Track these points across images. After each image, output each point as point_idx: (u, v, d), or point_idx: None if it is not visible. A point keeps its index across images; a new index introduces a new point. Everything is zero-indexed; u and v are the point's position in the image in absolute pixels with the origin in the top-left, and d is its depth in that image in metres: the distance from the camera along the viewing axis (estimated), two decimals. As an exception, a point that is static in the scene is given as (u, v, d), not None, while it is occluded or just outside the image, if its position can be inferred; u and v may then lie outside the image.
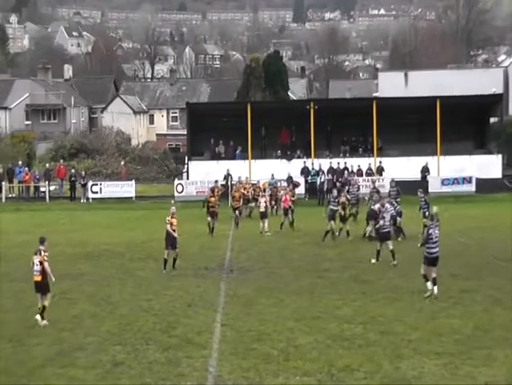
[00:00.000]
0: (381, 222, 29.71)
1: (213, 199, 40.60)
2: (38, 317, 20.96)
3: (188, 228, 38.02)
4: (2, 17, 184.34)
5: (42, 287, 21.27)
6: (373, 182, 45.60)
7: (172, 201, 42.64)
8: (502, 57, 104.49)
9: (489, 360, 17.59)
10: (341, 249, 34.22)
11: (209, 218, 39.57)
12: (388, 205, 30.72)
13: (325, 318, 21.71)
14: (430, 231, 24.13)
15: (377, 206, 32.40)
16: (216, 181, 47.11)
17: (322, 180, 54.99)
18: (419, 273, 25.27)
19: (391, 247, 29.42)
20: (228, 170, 55.20)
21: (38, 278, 21.24)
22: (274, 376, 16.73)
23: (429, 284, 23.79)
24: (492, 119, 63.54)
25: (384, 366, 17.41)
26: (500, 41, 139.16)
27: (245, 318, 21.88)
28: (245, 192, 46.46)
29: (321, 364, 17.47)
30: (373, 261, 29.90)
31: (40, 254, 21.30)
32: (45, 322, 21.01)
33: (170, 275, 28.27)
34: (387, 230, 29.75)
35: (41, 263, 21.18)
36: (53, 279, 21.43)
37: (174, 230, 28.93)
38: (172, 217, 29.20)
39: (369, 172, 56.61)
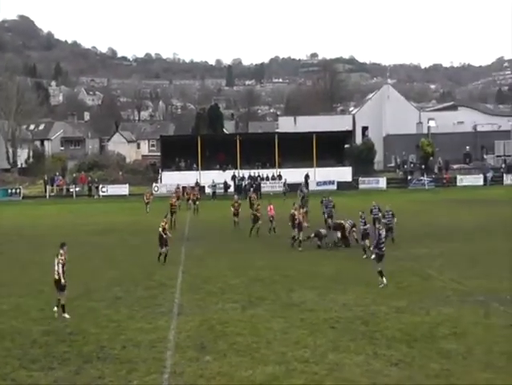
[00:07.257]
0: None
1: (173, 200, 35.52)
2: None
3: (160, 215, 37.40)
4: (46, 82, 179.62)
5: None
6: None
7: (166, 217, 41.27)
8: (352, 108, 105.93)
9: (345, 291, 17.85)
10: (262, 230, 30.12)
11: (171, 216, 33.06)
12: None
13: (248, 268, 21.76)
14: (380, 232, 18.74)
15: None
16: (177, 185, 46.41)
17: (245, 183, 55.34)
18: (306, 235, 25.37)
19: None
20: (213, 180, 54.66)
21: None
22: (215, 304, 16.69)
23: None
24: (346, 146, 64.52)
25: (282, 296, 17.52)
26: (350, 98, 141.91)
27: (197, 269, 21.79)
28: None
29: (244, 296, 17.50)
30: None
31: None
32: None
33: (151, 244, 25.66)
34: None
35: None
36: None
37: (166, 233, 22.91)
38: (166, 223, 23.59)
39: (273, 178, 57.28)
